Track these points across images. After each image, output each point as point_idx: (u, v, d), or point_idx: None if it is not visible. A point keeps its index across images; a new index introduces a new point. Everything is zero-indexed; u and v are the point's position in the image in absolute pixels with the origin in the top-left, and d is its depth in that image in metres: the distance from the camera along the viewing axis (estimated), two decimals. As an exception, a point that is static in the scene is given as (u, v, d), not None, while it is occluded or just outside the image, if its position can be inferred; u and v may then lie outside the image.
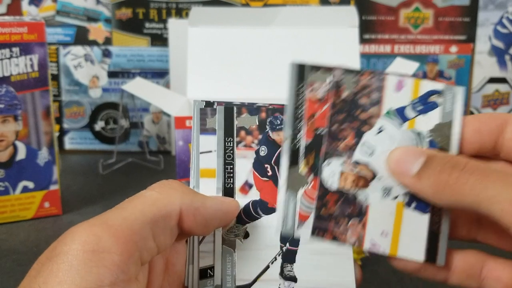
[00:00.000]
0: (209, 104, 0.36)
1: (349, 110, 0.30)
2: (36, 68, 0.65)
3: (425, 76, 0.96)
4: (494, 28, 0.95)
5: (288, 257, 0.34)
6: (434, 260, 0.30)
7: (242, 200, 0.34)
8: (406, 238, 0.30)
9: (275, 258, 0.34)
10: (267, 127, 0.36)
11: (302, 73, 0.30)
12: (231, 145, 0.35)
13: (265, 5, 0.93)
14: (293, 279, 0.33)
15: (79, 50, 0.94)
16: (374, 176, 0.30)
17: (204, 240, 0.33)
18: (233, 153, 0.35)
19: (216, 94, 0.69)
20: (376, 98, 0.30)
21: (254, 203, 0.35)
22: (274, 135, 0.36)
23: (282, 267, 0.34)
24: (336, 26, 0.72)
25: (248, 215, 0.34)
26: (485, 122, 0.30)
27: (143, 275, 0.30)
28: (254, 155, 0.35)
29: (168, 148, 0.97)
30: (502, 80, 0.98)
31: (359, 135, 0.30)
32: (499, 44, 0.96)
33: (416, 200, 0.30)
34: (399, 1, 0.94)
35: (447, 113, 0.30)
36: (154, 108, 0.96)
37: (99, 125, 0.96)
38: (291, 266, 0.34)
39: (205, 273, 0.33)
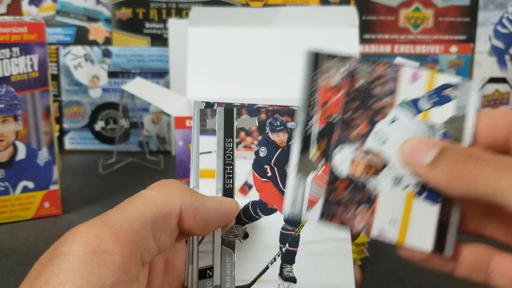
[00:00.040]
0: (209, 105, 0.36)
1: (362, 99, 0.30)
2: (36, 68, 0.65)
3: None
4: (494, 28, 0.95)
5: (288, 257, 0.34)
6: (441, 250, 0.30)
7: (241, 200, 0.34)
8: (414, 227, 0.30)
9: (275, 259, 0.34)
10: (267, 128, 0.36)
11: (317, 61, 0.30)
12: (231, 146, 0.35)
13: (265, 5, 0.93)
14: (293, 279, 0.33)
15: (79, 50, 0.94)
16: (385, 165, 0.30)
17: (204, 240, 0.33)
18: (232, 154, 0.35)
19: (216, 94, 0.69)
20: (390, 88, 0.30)
21: (254, 203, 0.35)
22: (273, 136, 0.36)
23: (281, 268, 0.34)
24: (336, 26, 0.72)
25: (247, 215, 0.34)
26: (499, 118, 0.30)
27: (144, 275, 0.30)
28: (254, 156, 0.35)
29: (168, 148, 0.97)
30: (502, 80, 0.98)
31: (372, 124, 0.30)
32: (499, 44, 0.96)
33: (427, 190, 0.30)
34: (399, 1, 0.94)
35: (461, 106, 0.30)
36: (154, 108, 0.96)
37: (99, 125, 0.96)
38: (290, 267, 0.34)
39: (205, 273, 0.33)
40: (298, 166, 0.30)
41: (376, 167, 0.30)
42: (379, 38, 0.95)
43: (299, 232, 0.34)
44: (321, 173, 0.30)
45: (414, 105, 0.30)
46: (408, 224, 0.30)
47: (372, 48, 0.95)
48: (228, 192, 0.34)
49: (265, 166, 0.35)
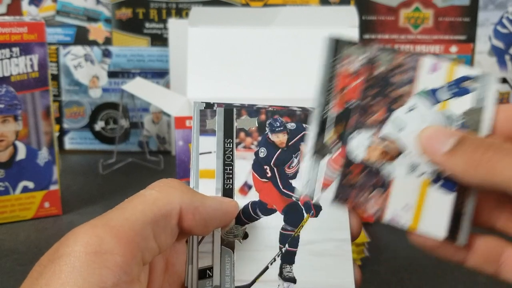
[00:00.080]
0: (209, 105, 0.36)
1: (381, 87, 0.31)
2: (36, 68, 0.65)
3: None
4: (494, 28, 0.95)
5: (287, 258, 0.34)
6: (454, 239, 0.30)
7: (241, 201, 0.34)
8: (428, 214, 0.30)
9: (274, 259, 0.34)
10: (267, 129, 0.36)
11: (337, 47, 0.31)
12: (231, 146, 0.35)
13: (265, 5, 0.93)
14: (292, 280, 0.33)
15: (79, 50, 0.94)
16: (400, 152, 0.31)
17: (203, 240, 0.33)
18: (232, 154, 0.35)
19: (216, 94, 0.69)
20: (409, 77, 0.31)
21: (253, 204, 0.35)
22: (273, 137, 0.36)
23: (281, 268, 0.34)
24: (336, 26, 0.72)
25: (247, 216, 0.34)
26: None
27: (144, 276, 0.30)
28: (254, 157, 0.35)
29: (168, 148, 0.97)
30: (502, 80, 0.98)
31: (389, 111, 0.31)
32: (499, 44, 0.96)
33: (443, 179, 0.30)
34: (399, 1, 0.94)
35: (479, 99, 0.31)
36: (154, 108, 0.96)
37: (99, 125, 0.96)
38: (290, 267, 0.34)
39: (204, 273, 0.33)
40: (314, 149, 0.31)
41: (392, 154, 0.31)
42: (379, 38, 0.95)
43: (299, 232, 0.34)
44: (337, 156, 0.31)
45: (432, 95, 0.31)
46: (422, 210, 0.30)
47: (372, 48, 0.95)
48: (227, 192, 0.35)
49: (265, 167, 0.35)
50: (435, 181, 0.30)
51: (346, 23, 0.72)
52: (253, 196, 0.35)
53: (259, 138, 0.36)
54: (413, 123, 0.30)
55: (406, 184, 0.31)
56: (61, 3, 0.93)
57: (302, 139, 0.36)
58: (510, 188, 0.27)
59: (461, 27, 0.95)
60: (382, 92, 0.31)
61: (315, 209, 0.35)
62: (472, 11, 0.94)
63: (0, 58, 0.63)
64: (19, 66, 0.64)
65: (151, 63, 0.95)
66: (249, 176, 0.35)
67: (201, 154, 0.35)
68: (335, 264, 0.34)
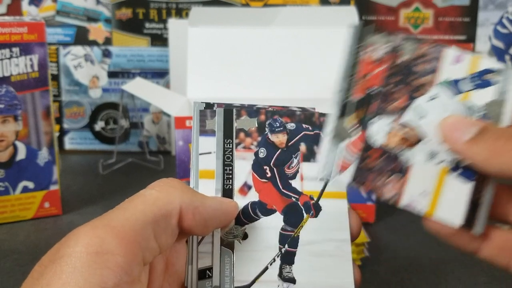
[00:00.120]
0: (209, 105, 0.36)
1: (403, 75, 0.31)
2: (36, 68, 0.65)
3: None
4: (494, 28, 0.95)
5: (287, 258, 0.34)
6: (470, 227, 0.31)
7: (241, 201, 0.34)
8: (445, 202, 0.31)
9: (274, 260, 0.34)
10: (266, 129, 0.36)
11: (362, 35, 0.31)
12: (230, 146, 0.35)
13: (265, 5, 0.93)
14: (292, 280, 0.33)
15: (79, 50, 0.94)
16: (420, 139, 0.31)
17: (203, 241, 0.33)
18: (232, 155, 0.35)
19: (216, 94, 0.69)
20: (432, 67, 0.31)
21: (253, 204, 0.35)
22: (273, 137, 0.36)
23: (280, 269, 0.34)
24: (336, 26, 0.72)
25: (246, 216, 0.34)
26: None
27: (145, 276, 0.30)
28: (253, 157, 0.35)
29: (168, 148, 0.97)
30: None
31: (411, 99, 0.31)
32: (499, 44, 0.96)
33: (462, 168, 0.31)
34: (399, 1, 0.94)
35: (501, 92, 0.31)
36: (154, 108, 0.96)
37: (99, 125, 0.96)
38: (290, 268, 0.34)
39: (204, 273, 0.33)
40: (333, 132, 0.31)
41: (411, 141, 0.31)
42: (379, 38, 0.95)
43: (299, 232, 0.34)
44: (356, 140, 0.31)
45: (455, 85, 0.31)
46: (439, 197, 0.31)
47: (372, 48, 0.95)
48: (227, 192, 0.35)
49: (265, 167, 0.35)
50: (454, 169, 0.31)
51: (346, 23, 0.72)
52: (253, 196, 0.35)
53: (259, 139, 0.36)
54: (434, 112, 0.31)
55: (424, 171, 0.31)
56: (61, 3, 0.93)
57: (301, 139, 0.36)
58: None
59: (461, 27, 0.95)
60: (405, 80, 0.31)
61: (315, 210, 0.35)
62: (472, 11, 0.94)
63: (0, 58, 0.63)
64: (19, 66, 0.64)
65: (151, 63, 0.95)
66: (249, 177, 0.35)
67: (201, 154, 0.35)
68: (334, 265, 0.34)
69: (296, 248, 0.34)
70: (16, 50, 0.64)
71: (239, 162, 0.35)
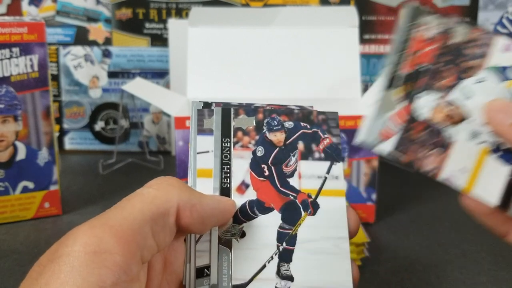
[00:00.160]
0: (207, 105, 0.36)
1: (453, 56, 0.32)
2: (36, 68, 0.65)
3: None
4: (494, 28, 0.95)
5: (285, 256, 0.34)
6: (506, 208, 0.31)
7: (238, 199, 0.34)
8: (484, 180, 0.31)
9: (272, 258, 0.34)
10: (264, 127, 0.36)
11: (416, 14, 0.32)
12: (228, 145, 0.35)
13: (265, 5, 0.93)
14: (290, 278, 0.33)
15: (79, 50, 0.94)
16: (463, 118, 0.32)
17: (201, 239, 0.33)
18: (230, 154, 0.35)
19: (216, 94, 0.69)
20: (482, 52, 0.32)
21: (251, 202, 0.35)
22: (271, 136, 0.36)
23: (278, 266, 0.34)
24: (336, 26, 0.72)
25: (244, 214, 0.34)
26: None
27: (143, 274, 0.30)
28: (251, 156, 0.35)
29: (168, 148, 0.97)
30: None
31: (459, 79, 0.32)
32: (500, 44, 0.96)
33: (502, 150, 0.31)
34: (399, 1, 0.94)
35: None
36: (154, 108, 0.96)
37: (99, 125, 0.96)
38: (287, 266, 0.34)
39: (202, 272, 0.33)
40: (379, 102, 0.32)
41: (455, 119, 0.32)
42: (379, 38, 0.95)
43: (297, 230, 0.34)
44: (401, 111, 0.32)
45: (503, 71, 0.32)
46: (478, 176, 0.32)
47: (372, 48, 0.95)
48: (225, 191, 0.35)
49: (262, 165, 0.35)
50: (495, 151, 0.32)
51: (346, 23, 0.72)
52: (251, 195, 0.35)
53: (257, 137, 0.36)
54: (480, 94, 0.32)
55: (465, 149, 0.32)
56: (61, 3, 0.94)
57: (299, 137, 0.36)
58: None
59: (461, 27, 0.95)
60: (454, 61, 0.32)
61: (313, 208, 0.35)
62: (472, 11, 0.94)
63: (0, 58, 0.63)
64: (19, 66, 0.64)
65: (151, 63, 0.95)
66: (247, 175, 0.35)
67: (198, 153, 0.35)
68: (332, 262, 0.34)
69: (294, 246, 0.34)
70: (16, 50, 0.64)
71: (237, 161, 0.35)
